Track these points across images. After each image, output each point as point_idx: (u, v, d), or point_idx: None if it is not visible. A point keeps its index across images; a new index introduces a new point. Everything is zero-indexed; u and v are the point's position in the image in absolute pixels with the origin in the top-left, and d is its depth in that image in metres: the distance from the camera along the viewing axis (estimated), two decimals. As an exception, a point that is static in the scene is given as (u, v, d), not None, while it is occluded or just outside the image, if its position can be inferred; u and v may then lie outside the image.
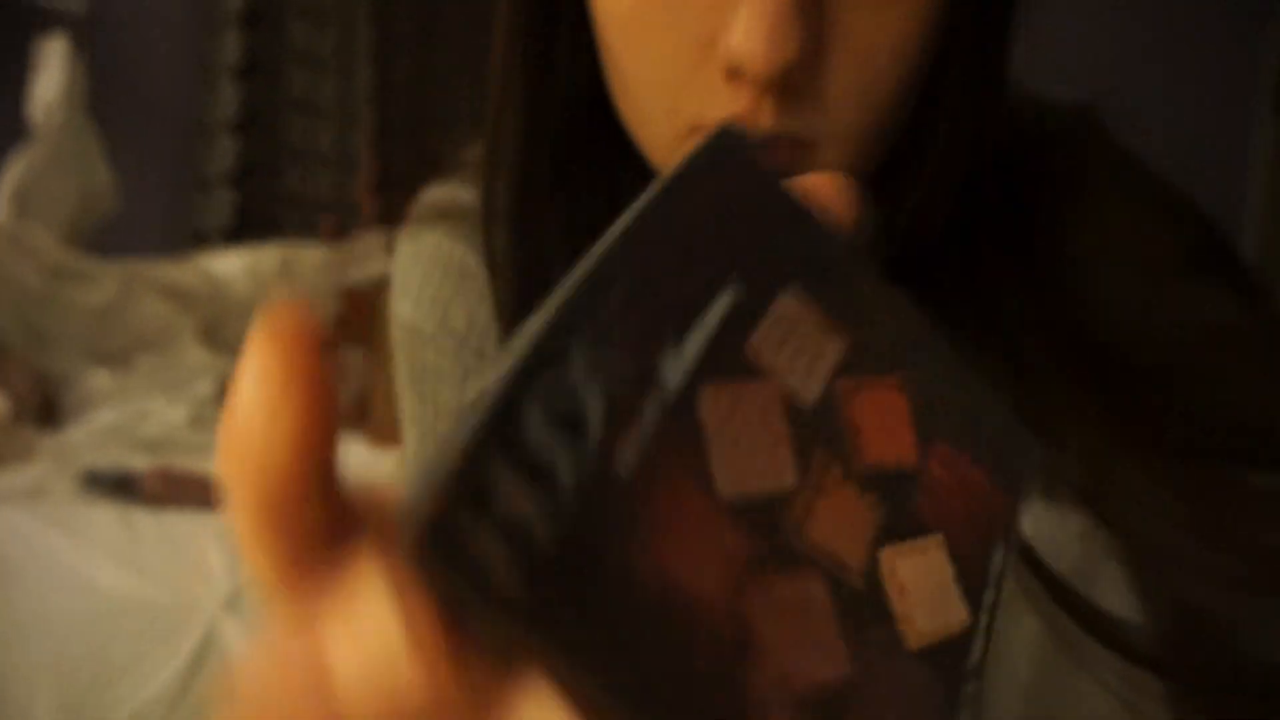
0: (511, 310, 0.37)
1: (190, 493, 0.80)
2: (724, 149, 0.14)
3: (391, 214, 3.01)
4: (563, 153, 0.35)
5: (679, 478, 0.11)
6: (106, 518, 0.73)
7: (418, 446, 0.42)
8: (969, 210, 0.34)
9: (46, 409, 1.06)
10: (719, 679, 0.10)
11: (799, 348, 0.13)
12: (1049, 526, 0.33)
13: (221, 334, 1.26)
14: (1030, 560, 0.30)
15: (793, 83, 0.28)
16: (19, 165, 1.33)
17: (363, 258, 1.41)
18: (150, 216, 2.35)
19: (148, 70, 2.31)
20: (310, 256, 1.36)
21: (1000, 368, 0.33)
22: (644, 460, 0.10)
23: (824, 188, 0.15)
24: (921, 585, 0.13)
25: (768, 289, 0.13)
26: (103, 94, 1.96)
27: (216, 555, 0.70)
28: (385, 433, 1.21)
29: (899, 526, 0.13)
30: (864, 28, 0.29)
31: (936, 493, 0.14)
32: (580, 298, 0.11)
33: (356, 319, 1.36)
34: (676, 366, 0.11)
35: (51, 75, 1.38)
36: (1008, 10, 0.34)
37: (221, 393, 1.07)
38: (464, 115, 3.64)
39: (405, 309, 0.42)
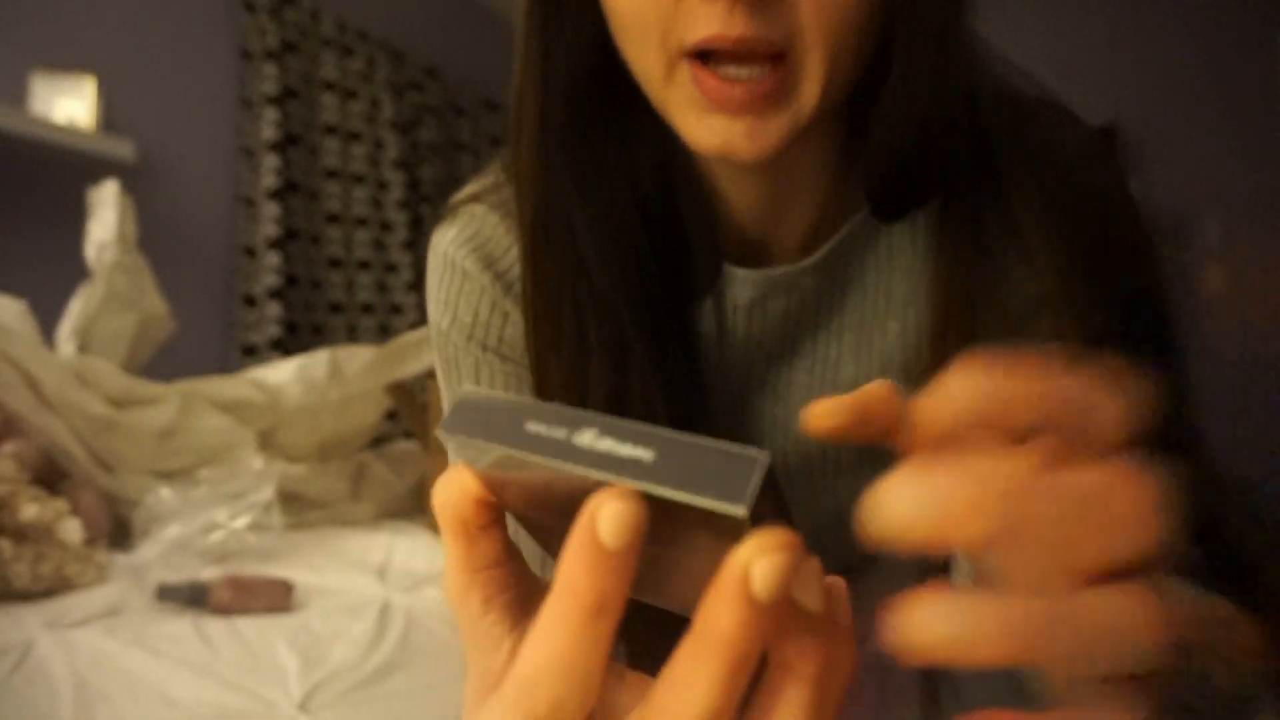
0: (533, 263, 0.40)
1: (259, 597, 0.80)
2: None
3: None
4: (574, 107, 0.39)
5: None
6: (181, 630, 0.73)
7: None
8: (939, 154, 0.38)
9: (117, 531, 1.09)
10: None
11: None
12: None
13: (277, 440, 1.29)
14: None
15: None
16: (78, 303, 1.40)
17: (408, 354, 1.44)
18: (203, 336, 2.45)
19: (192, 202, 2.44)
20: (357, 358, 1.40)
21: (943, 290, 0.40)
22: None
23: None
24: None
25: None
26: (153, 229, 2.07)
27: (289, 657, 0.69)
28: (444, 522, 1.22)
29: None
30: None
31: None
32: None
33: (407, 413, 1.38)
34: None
35: (105, 217, 1.46)
36: None
37: (279, 496, 1.09)
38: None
39: (430, 310, 0.47)
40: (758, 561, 0.16)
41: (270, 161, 2.53)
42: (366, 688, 0.65)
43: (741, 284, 0.42)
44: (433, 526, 1.22)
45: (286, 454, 1.29)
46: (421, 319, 2.98)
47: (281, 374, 1.36)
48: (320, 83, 2.82)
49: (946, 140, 0.38)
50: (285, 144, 2.62)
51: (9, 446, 1.10)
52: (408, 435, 1.85)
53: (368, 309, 2.87)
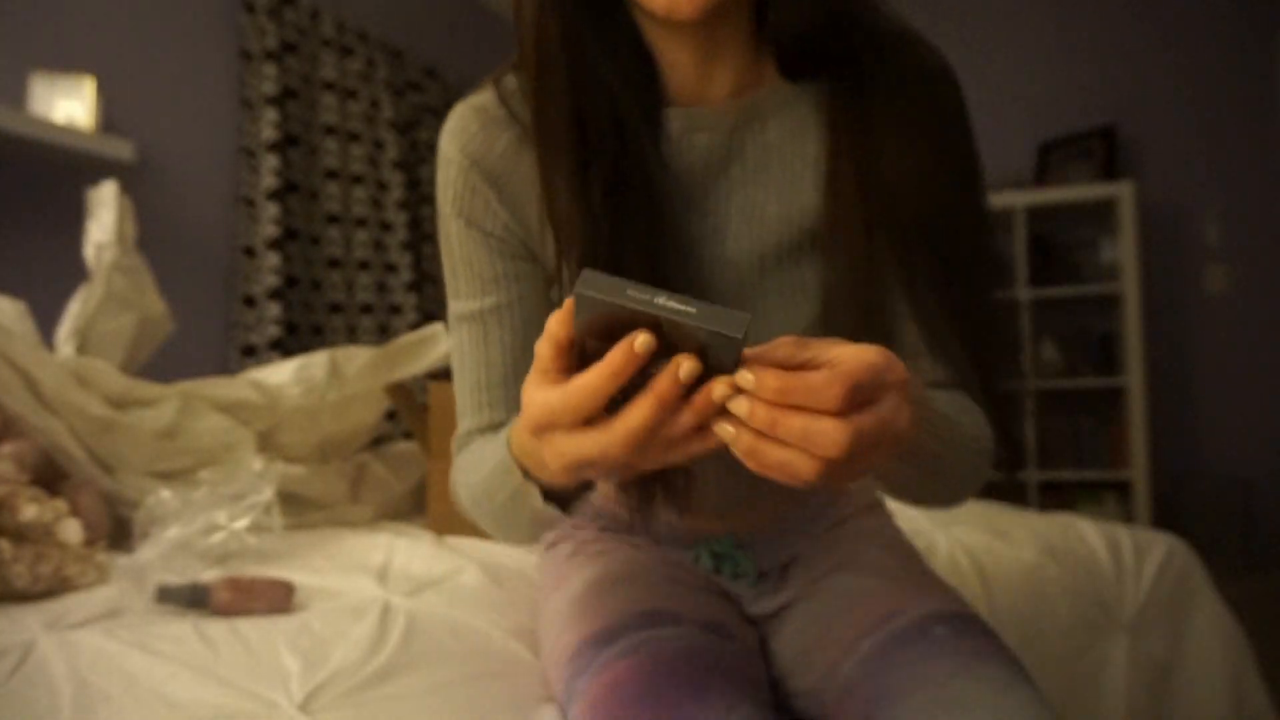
0: (542, 130, 0.57)
1: (259, 599, 0.80)
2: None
3: (429, 310, 3.08)
4: (567, 12, 0.56)
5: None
6: (181, 631, 0.73)
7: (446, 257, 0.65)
8: (826, 35, 0.56)
9: (117, 532, 1.09)
10: None
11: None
12: None
13: (277, 441, 1.29)
14: None
15: None
16: (77, 303, 1.40)
17: (407, 355, 1.44)
18: (203, 336, 2.44)
19: (191, 203, 2.44)
20: (357, 359, 1.39)
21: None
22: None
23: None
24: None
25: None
26: (152, 230, 2.07)
27: (290, 658, 0.69)
28: (442, 522, 1.21)
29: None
30: None
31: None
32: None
33: (407, 414, 1.38)
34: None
35: (104, 218, 1.46)
36: None
37: (279, 497, 1.08)
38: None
39: (444, 145, 0.64)
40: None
41: (270, 162, 2.53)
42: (368, 689, 0.65)
43: (673, 118, 0.60)
44: (432, 528, 1.22)
45: (286, 455, 1.29)
46: (421, 320, 2.98)
47: (281, 375, 1.36)
48: (320, 83, 2.81)
49: (830, 25, 0.56)
50: (285, 144, 2.62)
51: (8, 447, 1.10)
52: (407, 436, 1.85)
53: (367, 309, 2.87)
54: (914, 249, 0.56)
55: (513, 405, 0.63)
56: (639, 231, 0.56)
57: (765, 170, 0.60)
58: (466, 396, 0.65)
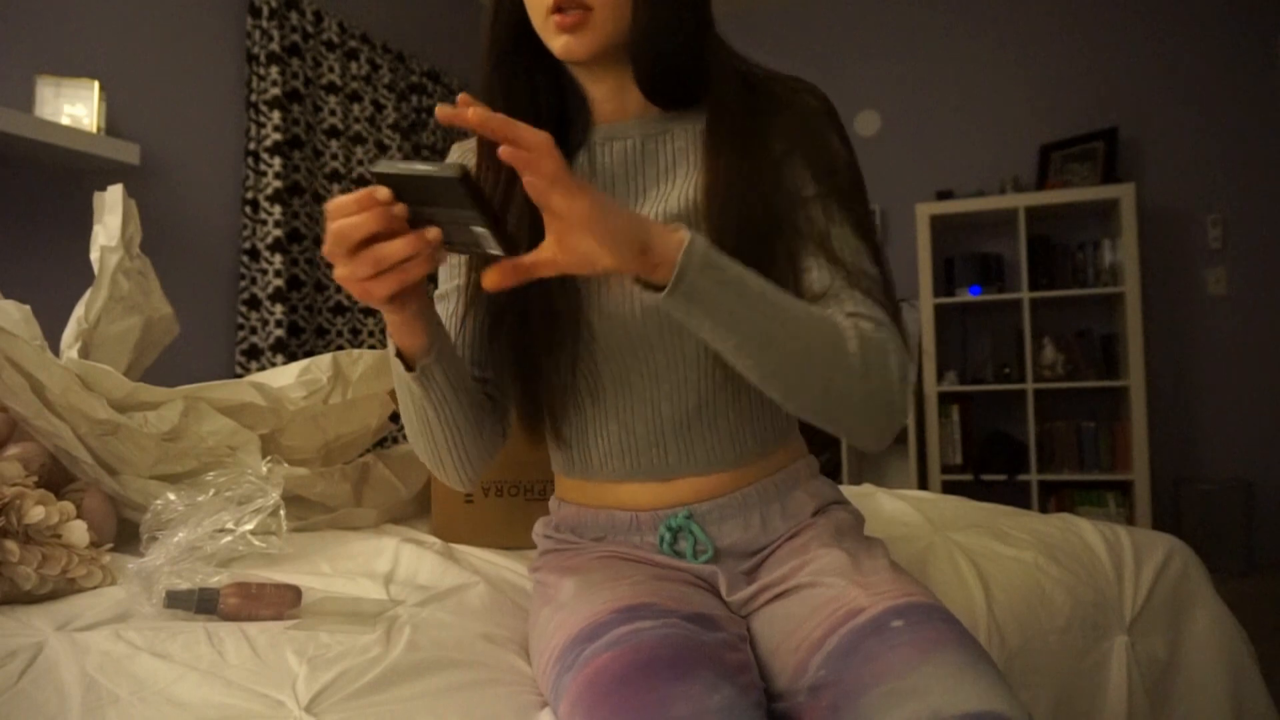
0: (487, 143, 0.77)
1: (266, 603, 0.81)
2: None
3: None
4: (509, 41, 0.79)
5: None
6: (189, 635, 0.74)
7: None
8: (677, 71, 0.77)
9: (124, 535, 1.09)
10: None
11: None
12: None
13: (280, 443, 1.29)
14: None
15: None
16: (82, 306, 1.41)
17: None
18: (206, 338, 2.45)
19: (196, 205, 2.45)
20: (361, 361, 1.40)
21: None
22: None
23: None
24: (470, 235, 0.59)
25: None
26: (156, 232, 2.07)
27: (296, 662, 0.70)
28: (446, 528, 1.22)
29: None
30: None
31: (500, 230, 0.58)
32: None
33: (409, 416, 1.38)
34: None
35: (110, 220, 1.46)
36: None
37: (282, 498, 1.09)
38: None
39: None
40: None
41: (274, 164, 2.54)
42: (373, 693, 0.65)
43: (596, 130, 0.81)
44: (436, 532, 1.23)
45: (289, 458, 1.30)
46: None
47: (284, 378, 1.37)
48: (323, 86, 2.82)
49: (675, 61, 0.76)
50: (288, 147, 2.62)
51: (14, 450, 1.10)
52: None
53: (370, 311, 2.88)
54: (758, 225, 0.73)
55: (471, 366, 0.83)
56: None
57: (672, 176, 0.78)
58: None
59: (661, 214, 0.76)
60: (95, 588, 0.93)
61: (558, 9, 0.71)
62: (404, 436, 2.03)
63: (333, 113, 2.83)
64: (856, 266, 0.72)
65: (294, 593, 0.83)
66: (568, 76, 0.81)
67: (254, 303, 2.52)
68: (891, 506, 1.26)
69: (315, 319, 2.72)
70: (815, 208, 0.74)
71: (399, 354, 0.70)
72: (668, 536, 0.77)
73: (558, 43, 0.73)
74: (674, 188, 0.77)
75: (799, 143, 0.75)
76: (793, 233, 0.73)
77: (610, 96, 0.80)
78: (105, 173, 2.05)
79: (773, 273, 0.69)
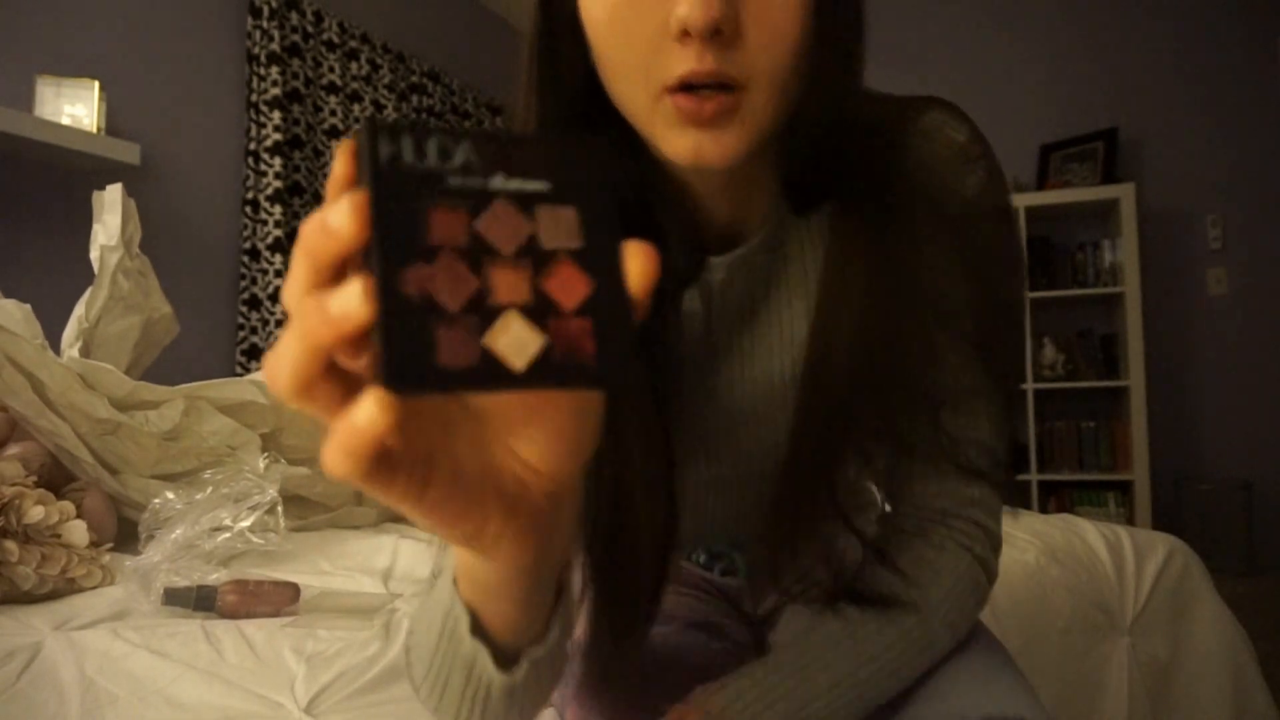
0: None
1: (265, 601, 0.81)
2: (598, 148, 0.24)
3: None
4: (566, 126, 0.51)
5: (463, 205, 0.23)
6: (188, 633, 0.74)
7: None
8: (832, 168, 0.50)
9: (123, 534, 1.09)
10: (413, 251, 0.22)
11: (559, 228, 0.23)
12: None
13: (280, 442, 1.29)
14: None
15: (722, 36, 0.41)
16: (83, 306, 1.41)
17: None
18: (206, 338, 2.45)
19: (196, 205, 2.45)
20: (360, 360, 1.40)
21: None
22: (456, 188, 0.23)
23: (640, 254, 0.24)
24: (515, 337, 0.22)
25: (563, 199, 0.24)
26: (157, 232, 2.08)
27: (295, 661, 0.70)
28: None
29: (532, 314, 0.23)
30: (762, 2, 0.42)
31: (563, 330, 0.23)
32: (485, 130, 0.24)
33: (409, 415, 1.38)
34: (499, 183, 0.23)
35: (110, 220, 1.46)
36: (856, 16, 0.48)
37: (281, 497, 1.09)
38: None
39: None
40: None
41: (274, 164, 2.54)
42: (372, 692, 0.65)
43: (715, 268, 0.54)
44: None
45: (289, 457, 1.30)
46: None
47: (285, 377, 1.37)
48: (323, 86, 2.82)
49: (836, 159, 0.50)
50: (289, 147, 2.62)
51: (14, 449, 1.10)
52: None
53: (370, 311, 2.88)
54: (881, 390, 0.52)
55: None
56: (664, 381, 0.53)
57: (791, 294, 0.55)
58: None
59: (781, 349, 0.56)
60: (95, 587, 0.93)
61: (684, 87, 0.42)
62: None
63: (333, 113, 2.83)
64: (981, 452, 0.55)
65: (292, 590, 0.83)
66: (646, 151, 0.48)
67: (254, 303, 2.52)
68: (892, 506, 1.26)
69: (315, 319, 2.72)
70: (954, 362, 0.53)
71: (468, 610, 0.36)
72: (701, 557, 0.71)
73: (682, 142, 0.44)
74: (793, 317, 0.56)
75: (946, 264, 0.52)
76: (916, 385, 0.53)
77: (730, 196, 0.53)
78: (105, 172, 2.05)
79: (881, 435, 0.54)
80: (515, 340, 0.22)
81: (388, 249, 0.22)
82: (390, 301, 0.21)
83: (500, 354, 0.22)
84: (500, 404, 0.27)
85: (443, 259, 0.22)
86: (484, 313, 0.22)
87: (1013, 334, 0.57)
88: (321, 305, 0.22)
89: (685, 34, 0.41)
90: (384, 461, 0.24)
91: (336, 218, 0.22)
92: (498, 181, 0.23)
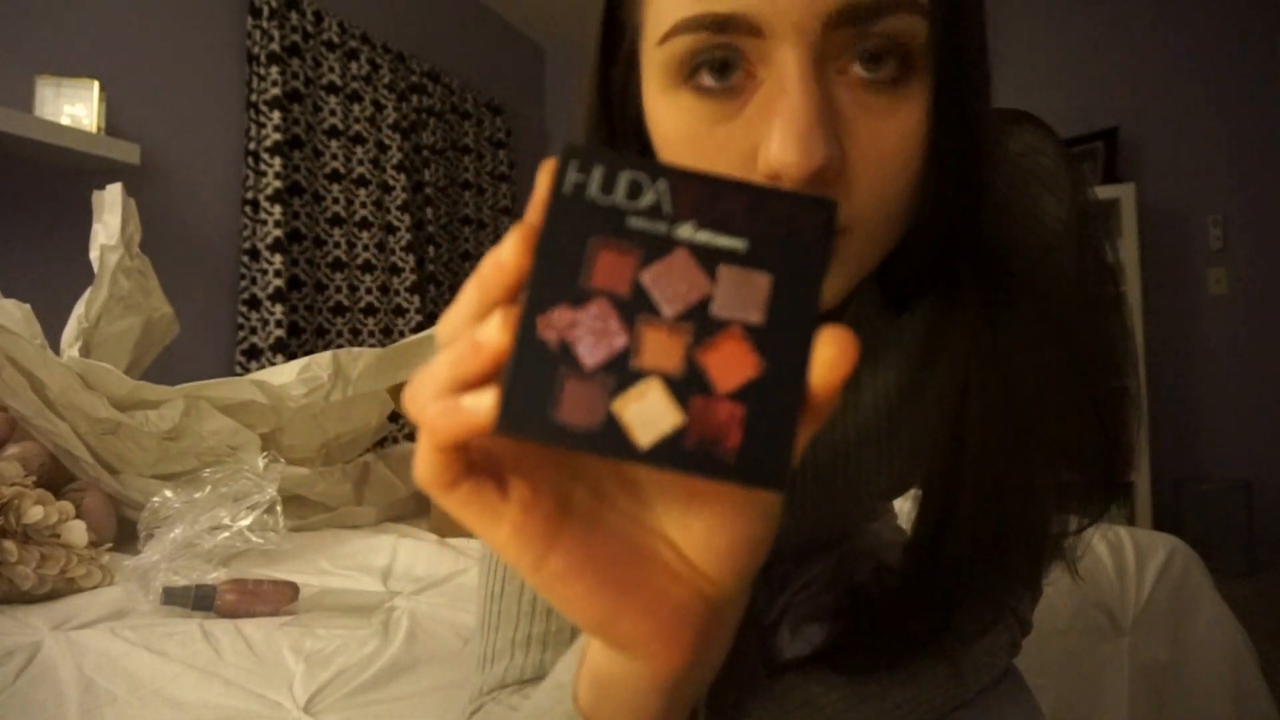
0: None
1: (264, 600, 0.81)
2: (822, 206, 0.21)
3: (432, 311, 3.09)
4: None
5: (637, 250, 0.20)
6: (186, 632, 0.74)
7: None
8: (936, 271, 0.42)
9: (122, 533, 1.09)
10: (566, 291, 0.20)
11: (741, 294, 0.20)
12: None
13: (281, 442, 1.29)
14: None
15: (823, 181, 0.33)
16: (82, 306, 1.41)
17: (411, 356, 1.44)
18: (206, 338, 2.45)
19: (196, 205, 2.45)
20: (361, 360, 1.40)
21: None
22: (635, 230, 0.21)
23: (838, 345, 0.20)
24: (649, 408, 0.19)
25: (757, 263, 0.21)
26: (157, 232, 2.07)
27: (293, 660, 0.70)
28: (444, 525, 1.22)
29: (676, 387, 0.20)
30: (873, 133, 0.34)
31: (707, 412, 0.20)
32: (688, 171, 0.21)
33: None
34: (686, 232, 0.21)
35: (109, 220, 1.46)
36: (984, 111, 0.41)
37: (282, 499, 1.09)
38: (489, 216, 3.76)
39: None
40: None
41: (274, 164, 2.54)
42: (371, 691, 0.65)
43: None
44: (435, 530, 1.22)
45: (289, 457, 1.30)
46: (424, 321, 2.99)
47: (284, 375, 1.37)
48: (323, 86, 2.82)
49: (943, 266, 0.42)
50: (288, 147, 2.62)
51: (14, 449, 1.10)
52: (410, 437, 1.86)
53: (370, 311, 2.88)
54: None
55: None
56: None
57: (890, 391, 0.48)
58: (499, 619, 0.43)
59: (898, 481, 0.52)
60: (94, 587, 0.93)
61: None
62: (405, 436, 2.03)
63: (333, 113, 2.83)
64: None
65: (291, 589, 0.83)
66: None
67: (254, 303, 2.52)
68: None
69: (315, 319, 2.72)
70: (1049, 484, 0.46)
71: None
72: None
73: None
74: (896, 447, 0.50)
75: (1045, 362, 0.43)
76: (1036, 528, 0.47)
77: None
78: (105, 173, 2.05)
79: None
80: (647, 412, 0.20)
81: (539, 285, 0.20)
82: (526, 341, 0.20)
83: (626, 423, 0.19)
84: (657, 477, 0.23)
85: (595, 306, 0.20)
86: (622, 374, 0.20)
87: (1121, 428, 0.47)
88: (469, 334, 0.21)
89: (777, 179, 0.32)
90: (483, 482, 0.22)
91: (506, 248, 0.21)
92: (685, 230, 0.20)
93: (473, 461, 0.22)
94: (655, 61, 0.35)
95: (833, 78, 0.33)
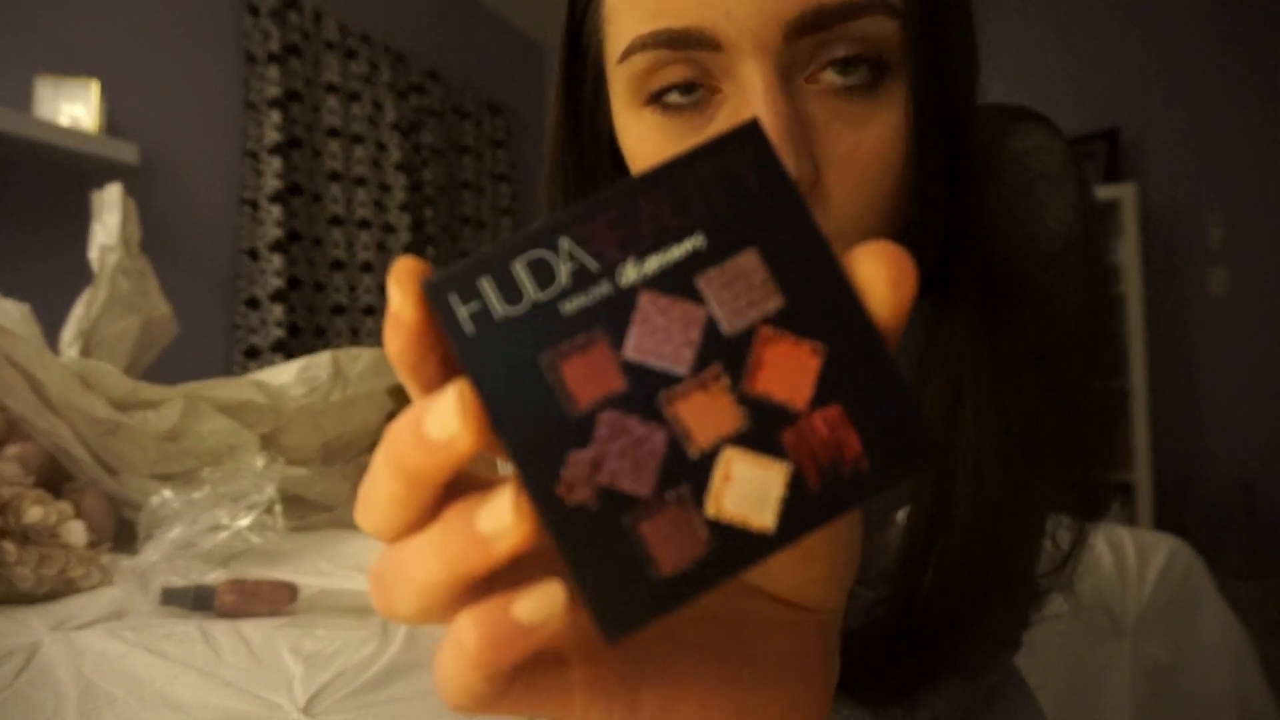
0: None
1: (263, 601, 0.81)
2: (746, 138, 0.17)
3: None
4: None
5: (598, 333, 0.16)
6: (185, 633, 0.74)
7: None
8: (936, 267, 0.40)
9: (121, 533, 1.09)
10: (563, 436, 0.16)
11: (739, 292, 0.16)
12: None
13: (280, 442, 1.29)
14: None
15: None
16: (81, 306, 1.40)
17: (409, 356, 1.43)
18: (206, 338, 2.45)
19: (195, 205, 2.45)
20: (361, 360, 1.40)
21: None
22: (578, 313, 0.16)
23: (889, 259, 0.17)
24: (746, 483, 0.16)
25: (730, 246, 0.16)
26: (156, 232, 2.07)
27: (293, 661, 0.70)
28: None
29: (755, 440, 0.16)
30: (847, 142, 0.33)
31: (807, 438, 0.16)
32: (577, 211, 0.16)
33: (409, 415, 1.38)
34: (632, 273, 0.16)
35: (108, 220, 1.46)
36: (971, 109, 0.40)
37: (282, 499, 1.09)
38: (489, 216, 3.77)
39: None
40: None
41: (273, 164, 2.54)
42: (371, 692, 0.65)
43: None
44: (435, 529, 1.22)
45: (289, 457, 1.29)
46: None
47: (284, 375, 1.37)
48: (323, 86, 2.82)
49: (938, 270, 0.41)
50: (288, 147, 2.62)
51: (13, 449, 1.10)
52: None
53: (370, 311, 2.88)
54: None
55: None
56: None
57: None
58: None
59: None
60: (94, 588, 0.92)
61: None
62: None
63: (332, 113, 2.83)
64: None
65: (291, 590, 0.83)
66: None
67: (254, 303, 2.52)
68: (893, 506, 1.25)
69: (315, 319, 2.71)
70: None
71: None
72: None
73: None
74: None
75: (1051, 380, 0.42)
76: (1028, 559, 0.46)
77: None
78: (105, 173, 2.04)
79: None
80: (748, 489, 0.16)
81: (524, 450, 0.15)
82: (559, 522, 0.15)
83: (736, 519, 0.15)
84: None
85: (602, 426, 0.16)
86: (690, 472, 0.16)
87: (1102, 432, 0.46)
88: (466, 524, 0.15)
89: None
90: (533, 667, 0.18)
91: (439, 423, 0.15)
92: (629, 272, 0.16)
93: None
94: (618, 78, 0.35)
95: (802, 87, 0.33)
